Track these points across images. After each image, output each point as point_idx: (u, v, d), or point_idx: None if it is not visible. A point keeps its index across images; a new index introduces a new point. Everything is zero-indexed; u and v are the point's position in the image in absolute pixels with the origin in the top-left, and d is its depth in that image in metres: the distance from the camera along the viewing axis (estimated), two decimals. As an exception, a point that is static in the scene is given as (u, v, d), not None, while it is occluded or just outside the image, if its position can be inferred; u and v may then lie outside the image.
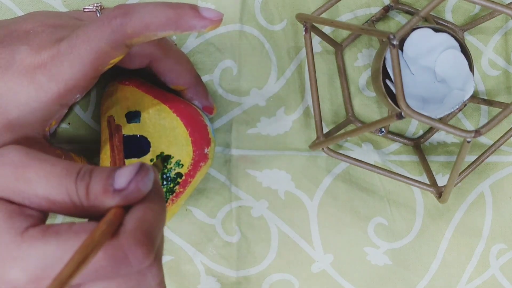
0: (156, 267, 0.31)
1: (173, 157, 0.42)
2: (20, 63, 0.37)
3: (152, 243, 0.30)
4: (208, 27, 0.36)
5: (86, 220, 0.32)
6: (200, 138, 0.43)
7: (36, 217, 0.31)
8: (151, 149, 0.43)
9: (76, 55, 0.36)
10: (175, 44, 0.47)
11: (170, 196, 0.43)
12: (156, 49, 0.41)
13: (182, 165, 0.43)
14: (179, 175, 0.43)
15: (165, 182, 0.43)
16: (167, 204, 0.43)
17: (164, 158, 0.42)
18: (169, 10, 0.36)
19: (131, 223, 0.30)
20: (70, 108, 0.46)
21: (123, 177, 0.31)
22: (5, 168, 0.31)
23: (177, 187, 0.43)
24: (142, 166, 0.32)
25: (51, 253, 0.29)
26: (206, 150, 0.43)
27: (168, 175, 0.43)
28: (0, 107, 0.37)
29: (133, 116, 0.43)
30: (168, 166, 0.43)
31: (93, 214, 0.32)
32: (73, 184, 0.31)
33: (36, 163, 0.31)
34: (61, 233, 0.30)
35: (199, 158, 0.43)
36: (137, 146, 0.43)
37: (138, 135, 0.43)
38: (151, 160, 0.42)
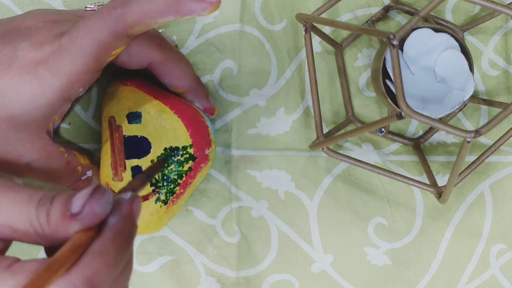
0: None
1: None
2: (22, 59, 0.37)
3: None
4: (208, 9, 0.35)
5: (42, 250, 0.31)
6: (201, 139, 0.43)
7: None
8: (151, 150, 0.43)
9: (77, 48, 0.36)
10: (176, 45, 0.47)
11: (171, 197, 0.43)
12: (155, 52, 0.41)
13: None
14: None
15: (165, 183, 0.42)
16: (168, 205, 0.43)
17: (164, 159, 0.42)
18: None
19: (76, 270, 0.29)
20: (71, 108, 0.46)
21: (78, 201, 0.30)
22: None
23: (177, 188, 0.43)
24: (96, 188, 0.31)
25: None
26: (207, 151, 0.43)
27: (168, 175, 0.43)
28: (3, 104, 0.37)
29: (134, 117, 0.43)
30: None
31: (56, 242, 0.31)
32: (34, 211, 0.30)
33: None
34: (1, 271, 0.30)
35: (200, 159, 0.43)
36: (138, 147, 0.43)
37: (139, 136, 0.43)
38: (152, 161, 0.42)
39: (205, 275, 0.48)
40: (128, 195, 0.32)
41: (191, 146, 0.43)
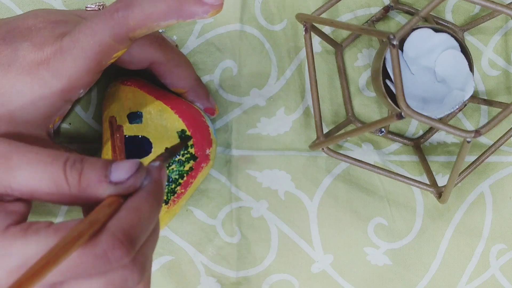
0: (137, 267, 0.32)
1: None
2: (22, 59, 0.37)
3: (132, 244, 0.31)
4: (210, 13, 0.36)
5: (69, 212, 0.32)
6: (202, 139, 0.43)
7: (18, 213, 0.32)
8: (152, 149, 0.43)
9: (79, 50, 0.36)
10: (176, 45, 0.47)
11: (172, 197, 0.43)
12: (156, 52, 0.41)
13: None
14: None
15: (166, 183, 0.42)
16: (168, 205, 0.43)
17: (185, 139, 0.42)
18: None
19: (114, 222, 0.31)
20: (72, 108, 0.46)
21: (122, 171, 0.32)
22: None
23: (178, 188, 0.43)
24: (141, 165, 0.33)
25: (31, 251, 0.30)
26: (207, 151, 0.43)
27: (169, 175, 0.43)
28: (3, 104, 0.37)
29: (135, 117, 0.43)
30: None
31: (81, 202, 0.32)
32: (61, 171, 0.31)
33: (19, 151, 0.32)
34: (40, 231, 0.30)
35: (201, 159, 0.43)
36: (138, 146, 0.43)
37: (139, 136, 0.43)
38: (166, 148, 0.42)
39: (205, 275, 0.48)
40: (156, 163, 0.34)
41: (192, 145, 0.43)
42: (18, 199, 0.32)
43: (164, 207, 0.43)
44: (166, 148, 0.39)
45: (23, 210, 0.32)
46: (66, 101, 0.38)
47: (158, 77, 0.43)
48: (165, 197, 0.43)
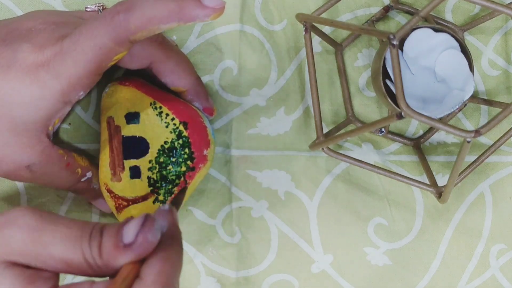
0: None
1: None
2: (22, 61, 0.37)
3: None
4: (211, 16, 0.35)
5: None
6: (200, 140, 0.43)
7: (52, 278, 0.32)
8: (149, 150, 0.43)
9: (79, 52, 0.36)
10: (176, 45, 0.47)
11: (169, 198, 0.43)
12: (157, 51, 0.41)
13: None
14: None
15: (163, 184, 0.42)
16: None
17: (183, 190, 0.42)
18: (170, 2, 0.35)
19: (150, 277, 0.31)
20: (71, 108, 0.46)
21: (130, 231, 0.31)
22: (21, 232, 0.31)
23: (175, 188, 0.43)
24: (146, 217, 0.32)
25: None
26: (205, 152, 0.43)
27: (166, 176, 0.42)
28: (3, 106, 0.37)
29: (133, 117, 0.43)
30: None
31: (108, 273, 0.32)
32: (87, 244, 0.31)
33: (51, 227, 0.31)
34: None
35: (198, 159, 0.43)
36: (136, 147, 0.43)
37: (137, 136, 0.43)
38: (150, 161, 0.42)
39: (205, 275, 0.48)
40: (165, 206, 0.34)
41: (189, 146, 0.43)
42: None
43: None
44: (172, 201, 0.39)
45: (56, 275, 0.32)
46: (65, 103, 0.38)
47: (158, 76, 0.43)
48: (162, 198, 0.43)
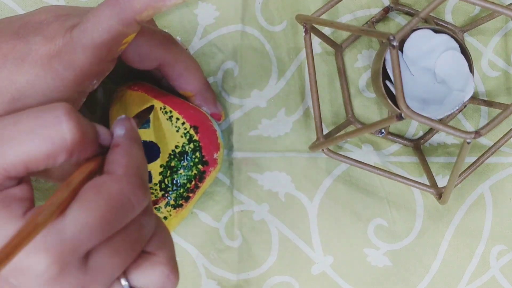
0: (149, 212, 0.33)
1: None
2: (35, 53, 0.37)
3: (145, 184, 0.32)
4: None
5: None
6: (210, 143, 0.43)
7: (27, 201, 0.32)
8: (160, 154, 0.42)
9: (88, 39, 0.36)
10: (187, 49, 0.47)
11: (180, 201, 0.43)
12: (165, 53, 0.41)
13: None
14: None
15: (174, 188, 0.42)
16: (177, 209, 0.43)
17: (150, 108, 0.43)
18: None
19: (119, 169, 0.32)
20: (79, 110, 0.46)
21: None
22: None
23: (186, 192, 0.43)
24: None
25: None
26: (215, 155, 0.43)
27: (177, 180, 0.42)
28: (19, 99, 0.37)
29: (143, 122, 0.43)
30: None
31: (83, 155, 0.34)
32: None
33: (9, 123, 0.33)
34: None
35: (209, 163, 0.43)
36: (147, 152, 0.42)
37: (147, 141, 0.43)
38: (161, 165, 0.42)
39: (206, 278, 0.48)
40: (122, 116, 0.36)
41: (200, 150, 0.42)
42: (19, 182, 0.33)
43: (173, 211, 0.43)
44: (136, 115, 0.40)
45: (30, 194, 0.33)
46: (79, 92, 0.38)
47: (167, 79, 0.43)
48: (173, 202, 0.42)
